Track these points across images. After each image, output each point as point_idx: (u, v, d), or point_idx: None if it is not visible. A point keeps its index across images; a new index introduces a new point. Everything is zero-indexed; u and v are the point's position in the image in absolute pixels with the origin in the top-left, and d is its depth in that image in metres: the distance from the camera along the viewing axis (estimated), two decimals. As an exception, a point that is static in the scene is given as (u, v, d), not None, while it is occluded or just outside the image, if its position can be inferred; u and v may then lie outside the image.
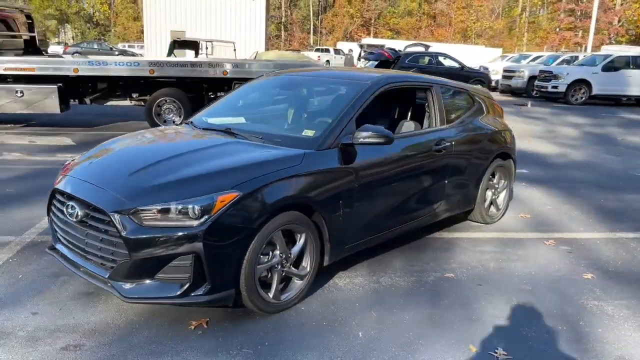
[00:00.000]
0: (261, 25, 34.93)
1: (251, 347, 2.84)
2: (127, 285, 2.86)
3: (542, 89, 19.43)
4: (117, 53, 33.97)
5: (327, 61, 38.77)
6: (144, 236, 2.77)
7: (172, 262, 2.81)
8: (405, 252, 4.25)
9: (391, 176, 3.80)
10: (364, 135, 3.46)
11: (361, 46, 25.30)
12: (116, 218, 2.81)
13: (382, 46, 22.75)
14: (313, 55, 39.54)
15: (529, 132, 11.60)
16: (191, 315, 3.12)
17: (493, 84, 23.05)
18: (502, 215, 5.19)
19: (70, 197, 3.09)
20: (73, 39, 63.70)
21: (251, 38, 34.55)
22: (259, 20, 34.87)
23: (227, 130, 3.72)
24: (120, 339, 2.86)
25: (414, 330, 3.08)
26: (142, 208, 2.80)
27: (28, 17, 11.09)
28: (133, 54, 32.86)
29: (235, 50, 16.30)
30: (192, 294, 2.85)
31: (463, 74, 18.89)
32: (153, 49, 33.04)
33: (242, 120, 4.16)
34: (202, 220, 2.78)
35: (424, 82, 4.40)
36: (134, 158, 3.38)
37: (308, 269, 3.34)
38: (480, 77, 19.48)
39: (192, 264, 2.81)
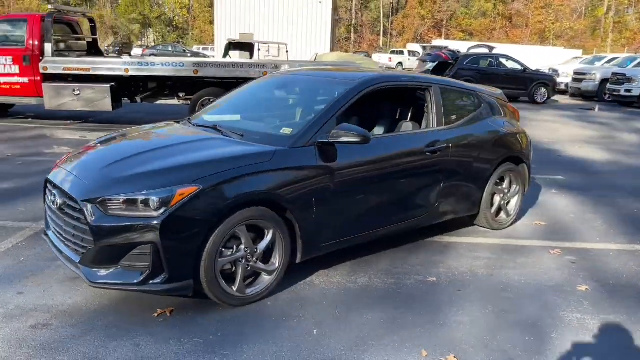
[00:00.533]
0: (326, 27, 35.21)
1: (203, 337, 2.93)
2: (94, 271, 3.03)
3: (615, 93, 18.33)
4: (189, 55, 35.37)
5: (400, 63, 38.43)
6: (108, 224, 2.93)
7: (134, 250, 2.95)
8: (397, 254, 4.20)
9: (374, 177, 3.77)
10: (339, 134, 3.47)
11: (424, 48, 24.92)
12: (85, 206, 2.99)
13: (443, 48, 22.29)
14: (384, 57, 39.26)
15: (584, 137, 11.01)
16: (159, 304, 3.25)
17: (562, 86, 22.02)
18: (513, 222, 4.99)
19: (55, 186, 3.32)
20: (154, 42, 67.01)
21: (317, 40, 34.94)
22: (325, 22, 35.16)
23: (214, 127, 3.85)
24: (85, 322, 3.04)
25: (371, 331, 3.06)
26: (108, 198, 2.97)
27: (91, 20, 11.86)
28: (205, 56, 34.11)
29: (287, 51, 16.57)
30: (151, 282, 2.98)
31: (525, 76, 18.19)
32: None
33: (237, 117, 4.28)
34: (161, 211, 2.91)
35: (420, 83, 4.33)
36: (115, 151, 3.57)
37: (277, 265, 3.39)
38: (544, 79, 18.64)
39: (151, 254, 2.94)
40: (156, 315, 3.14)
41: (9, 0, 56.04)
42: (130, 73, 9.78)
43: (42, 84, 9.79)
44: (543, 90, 18.45)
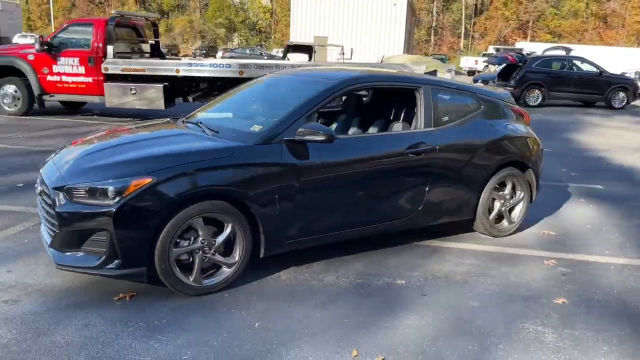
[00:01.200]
0: (401, 29, 34.92)
1: (149, 321, 3.08)
2: (60, 254, 3.28)
3: None
4: (265, 57, 36.37)
5: (486, 65, 37.01)
6: (70, 211, 3.16)
7: (93, 236, 3.16)
8: (378, 255, 4.16)
9: (346, 177, 3.77)
10: (304, 133, 3.51)
11: (497, 50, 24.07)
12: (56, 194, 3.24)
13: (515, 49, 21.42)
14: (471, 60, 37.86)
15: (650, 145, 10.21)
16: (123, 289, 3.44)
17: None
18: (516, 229, 4.77)
19: (41, 176, 3.62)
20: (238, 45, 69.51)
21: (390, 42, 34.76)
22: (399, 24, 34.91)
23: (197, 124, 4.01)
24: (52, 300, 3.28)
25: (312, 327, 3.07)
26: (73, 186, 3.19)
27: (154, 24, 12.56)
28: (280, 58, 34.91)
29: (343, 53, 16.60)
30: (106, 267, 3.18)
31: (602, 79, 17.10)
32: (297, 54, 34.65)
33: (229, 115, 4.42)
34: (116, 200, 3.09)
35: (407, 83, 4.26)
36: (94, 144, 3.81)
37: (237, 258, 3.48)
38: (624, 83, 17.44)
39: (107, 240, 3.13)
40: (116, 299, 3.33)
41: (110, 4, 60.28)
42: (181, 74, 10.28)
43: (104, 84, 10.52)
44: (622, 94, 17.25)
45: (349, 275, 3.80)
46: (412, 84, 4.26)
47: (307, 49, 14.87)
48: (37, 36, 10.83)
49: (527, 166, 4.70)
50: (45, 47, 10.67)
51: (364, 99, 5.13)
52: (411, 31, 41.34)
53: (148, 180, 3.13)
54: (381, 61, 18.81)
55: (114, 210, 3.07)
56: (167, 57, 13.43)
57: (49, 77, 10.82)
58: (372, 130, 4.59)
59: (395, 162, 3.97)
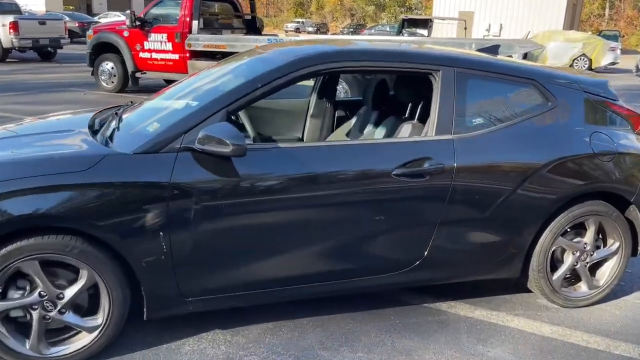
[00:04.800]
0: (560, 3, 30.76)
1: None
2: None
3: None
4: (405, 35, 34.51)
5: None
6: None
7: None
8: (347, 321, 2.77)
9: (289, 207, 2.44)
10: (202, 139, 2.28)
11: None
12: None
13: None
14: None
15: None
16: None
17: None
18: (600, 298, 3.01)
19: None
20: (387, 23, 67.73)
21: (548, 17, 30.80)
22: (558, -1, 30.69)
23: (116, 114, 2.94)
24: None
25: None
26: None
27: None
28: (421, 35, 32.85)
29: (465, 28, 14.34)
30: None
31: None
32: (440, 30, 32.27)
33: (182, 104, 3.26)
34: None
35: (415, 64, 2.72)
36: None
37: (100, 320, 2.37)
38: None
39: None
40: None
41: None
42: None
43: (188, 61, 10.00)
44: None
45: (279, 352, 2.49)
46: (424, 64, 2.72)
47: (424, 23, 13.15)
48: (130, 11, 10.63)
49: (629, 201, 2.91)
50: (138, 23, 10.41)
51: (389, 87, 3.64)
52: (577, 4, 36.31)
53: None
54: (526, 37, 16.32)
55: None
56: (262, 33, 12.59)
57: (141, 54, 10.57)
58: (378, 133, 3.15)
59: (378, 188, 2.53)
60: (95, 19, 28.99)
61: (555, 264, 2.95)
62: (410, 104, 3.14)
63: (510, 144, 2.71)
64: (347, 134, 3.59)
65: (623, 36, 41.79)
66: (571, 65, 18.73)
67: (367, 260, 2.64)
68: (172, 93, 3.11)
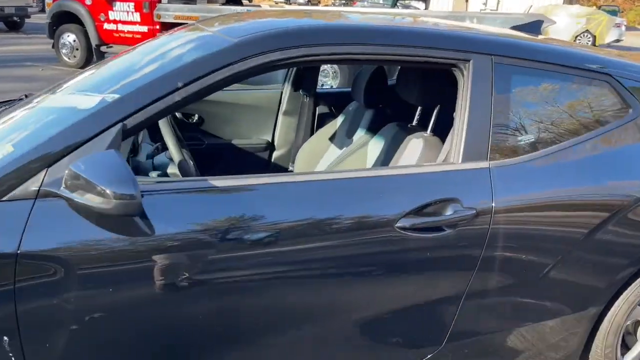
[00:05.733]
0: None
1: None
2: None
3: None
4: (399, 7, 33.26)
5: None
6: None
7: None
8: None
9: (220, 292, 1.51)
10: (68, 179, 1.32)
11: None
12: None
13: None
14: None
15: None
16: None
17: None
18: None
19: None
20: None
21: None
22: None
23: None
24: None
25: None
26: None
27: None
28: (416, 8, 31.57)
29: (467, 0, 13.31)
30: None
31: None
32: (437, 3, 31.09)
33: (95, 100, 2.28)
34: None
35: (438, 49, 1.74)
36: None
37: None
38: None
39: None
40: None
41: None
42: (239, 23, 8.29)
43: (158, 34, 8.90)
44: None
45: None
46: (446, 51, 1.74)
47: (421, -5, 12.07)
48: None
49: None
50: (101, -11, 9.28)
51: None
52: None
53: None
54: (528, 12, 15.32)
55: None
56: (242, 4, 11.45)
57: (106, 25, 9.45)
58: (373, 145, 2.20)
59: (371, 250, 1.59)
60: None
61: (625, 342, 2.05)
62: (420, 106, 2.17)
63: (578, 173, 1.77)
64: (331, 138, 2.65)
65: (622, 11, 40.74)
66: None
67: (360, 346, 1.72)
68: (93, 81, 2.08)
